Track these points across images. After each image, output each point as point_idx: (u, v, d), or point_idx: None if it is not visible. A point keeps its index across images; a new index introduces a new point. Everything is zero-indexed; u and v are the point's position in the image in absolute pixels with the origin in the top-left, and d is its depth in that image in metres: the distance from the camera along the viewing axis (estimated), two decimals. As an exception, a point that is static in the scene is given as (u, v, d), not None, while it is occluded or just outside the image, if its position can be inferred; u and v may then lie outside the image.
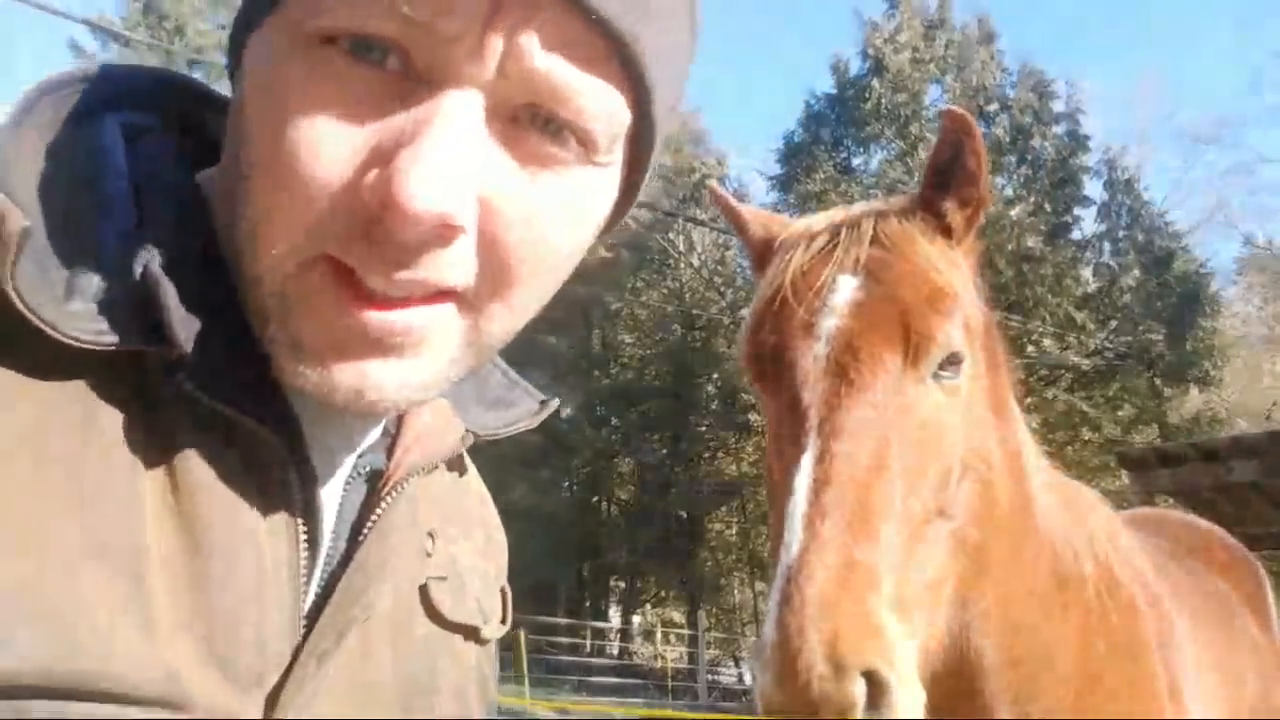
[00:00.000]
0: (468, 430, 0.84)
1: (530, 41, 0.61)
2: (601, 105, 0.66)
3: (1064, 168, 28.16)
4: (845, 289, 1.67)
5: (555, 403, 0.93)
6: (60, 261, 0.63)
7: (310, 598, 0.71)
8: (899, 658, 1.41)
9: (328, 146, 0.61)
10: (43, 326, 0.60)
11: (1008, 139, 28.43)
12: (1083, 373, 27.69)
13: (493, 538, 0.93)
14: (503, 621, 0.89)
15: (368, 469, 0.77)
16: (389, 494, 0.75)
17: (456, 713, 0.83)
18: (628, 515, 34.53)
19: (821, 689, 1.33)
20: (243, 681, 0.65)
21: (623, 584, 35.54)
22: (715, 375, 30.35)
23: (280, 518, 0.68)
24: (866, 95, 28.99)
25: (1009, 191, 28.71)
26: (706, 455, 31.95)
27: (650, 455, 32.83)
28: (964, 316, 1.69)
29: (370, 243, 0.61)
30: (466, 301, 0.67)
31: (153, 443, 0.64)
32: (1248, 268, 38.75)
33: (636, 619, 34.85)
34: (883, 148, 29.79)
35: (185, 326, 0.63)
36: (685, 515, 31.55)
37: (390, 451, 0.78)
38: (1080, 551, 2.02)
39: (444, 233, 0.62)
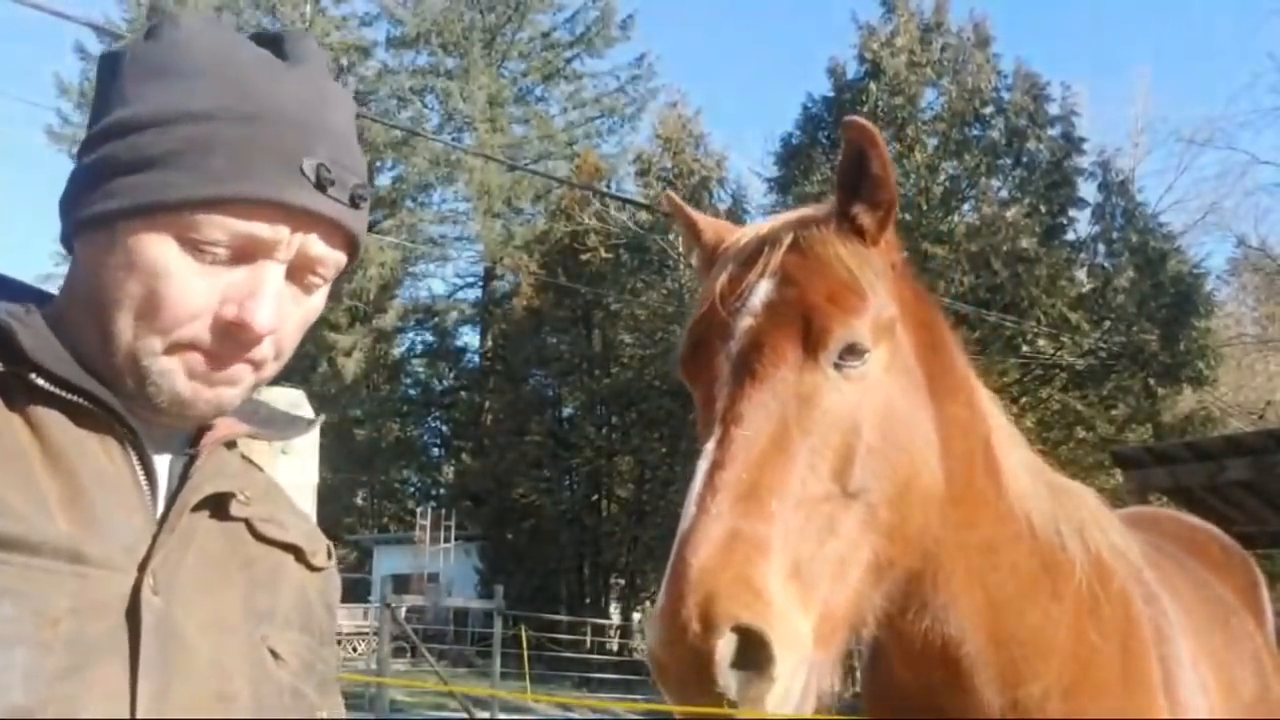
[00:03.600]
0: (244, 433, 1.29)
1: (309, 243, 1.11)
2: (338, 264, 1.17)
3: (1058, 170, 28.09)
4: (760, 292, 1.77)
5: (320, 419, 1.41)
6: None
7: (161, 507, 1.08)
8: (781, 621, 1.47)
9: (196, 301, 1.06)
10: None
11: (1003, 141, 28.42)
12: (1077, 372, 27.71)
13: (293, 507, 1.32)
14: (328, 557, 1.30)
15: (187, 454, 1.16)
16: (205, 450, 1.16)
17: (293, 604, 1.20)
18: (628, 513, 34.61)
19: (692, 645, 1.42)
20: (119, 549, 1.01)
21: (623, 581, 35.53)
22: (715, 375, 30.32)
23: (117, 453, 1.06)
24: (863, 98, 28.97)
25: (1004, 194, 28.71)
26: (706, 454, 31.98)
27: (650, 454, 32.96)
28: (871, 311, 1.75)
29: (224, 343, 1.07)
30: (264, 366, 1.13)
31: (27, 426, 1.01)
32: (1241, 268, 38.81)
33: (637, 616, 34.78)
34: (880, 150, 29.79)
35: (35, 349, 1.02)
36: (685, 513, 31.59)
37: (197, 443, 1.20)
38: (1067, 538, 2.07)
39: (265, 336, 1.09)
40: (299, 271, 1.13)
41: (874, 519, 1.70)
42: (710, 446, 1.63)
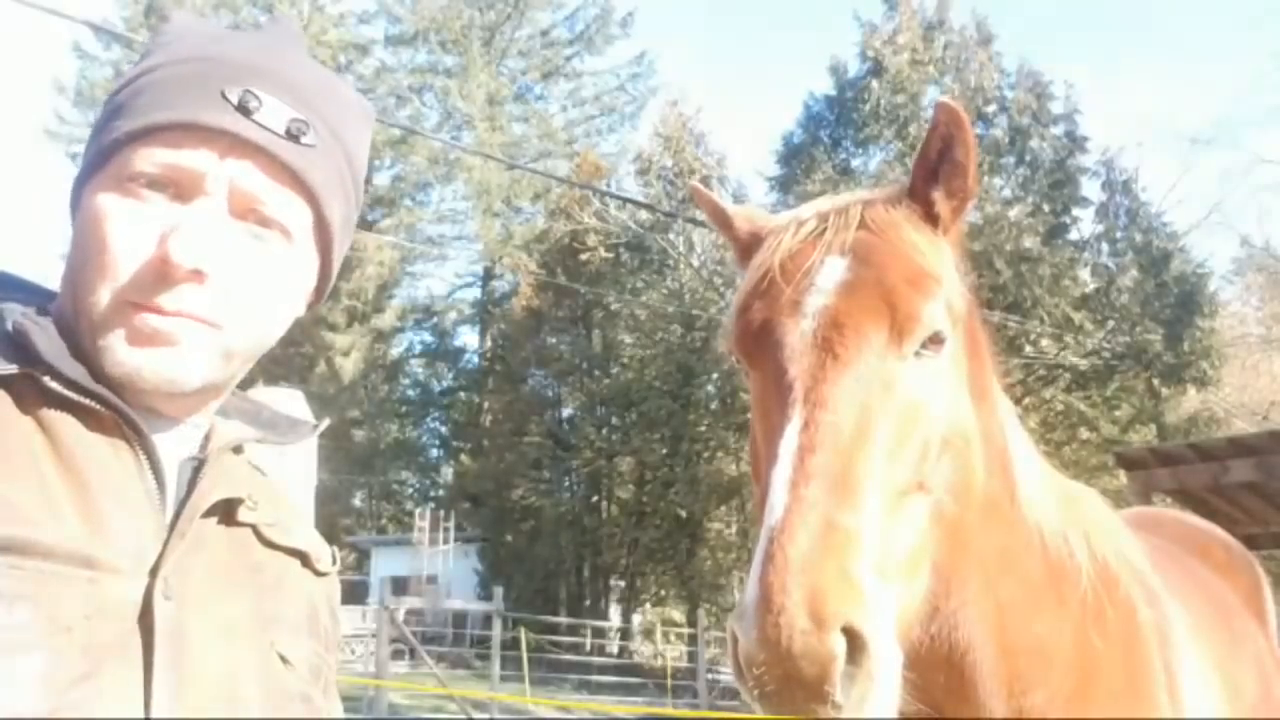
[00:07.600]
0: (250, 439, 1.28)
1: (241, 174, 1.09)
2: (285, 206, 1.13)
3: (1062, 168, 28.10)
4: (832, 269, 1.71)
5: (325, 423, 1.36)
6: None
7: (170, 511, 1.07)
8: (878, 617, 1.43)
9: (130, 239, 1.05)
10: None
11: (1006, 140, 28.38)
12: (1081, 373, 27.69)
13: (295, 511, 1.31)
14: (333, 563, 1.30)
15: (195, 461, 1.15)
16: (212, 455, 1.15)
17: (300, 609, 1.20)
18: (628, 515, 34.49)
19: (803, 643, 1.36)
20: (129, 554, 1.00)
21: (623, 583, 35.46)
22: (715, 375, 30.36)
23: (128, 458, 1.06)
24: (865, 96, 29.00)
25: (1007, 192, 28.69)
26: (706, 455, 31.96)
27: (650, 455, 32.87)
28: (947, 300, 1.73)
29: (154, 286, 1.04)
30: (218, 327, 1.09)
31: (39, 429, 1.01)
32: (1245, 268, 38.76)
33: (637, 618, 34.75)
34: (881, 149, 29.80)
35: (49, 352, 1.03)
36: (685, 515, 31.55)
37: (204, 449, 1.19)
38: (1075, 545, 2.05)
39: (194, 277, 1.05)
40: (243, 210, 1.10)
41: (942, 514, 1.68)
42: (793, 430, 1.57)
